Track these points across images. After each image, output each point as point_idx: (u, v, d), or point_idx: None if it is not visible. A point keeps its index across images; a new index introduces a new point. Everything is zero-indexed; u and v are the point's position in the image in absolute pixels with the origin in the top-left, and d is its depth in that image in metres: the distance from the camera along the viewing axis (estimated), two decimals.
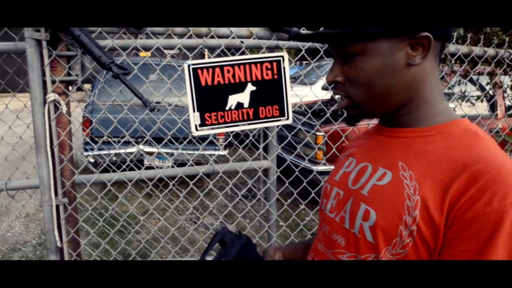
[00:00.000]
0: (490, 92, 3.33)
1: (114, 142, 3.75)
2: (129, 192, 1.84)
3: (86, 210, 1.78)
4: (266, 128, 1.78)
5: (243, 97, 1.38)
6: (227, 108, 1.39)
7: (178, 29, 1.46)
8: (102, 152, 3.53)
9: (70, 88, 1.48)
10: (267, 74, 1.39)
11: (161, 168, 3.19)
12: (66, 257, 1.59)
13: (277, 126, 1.76)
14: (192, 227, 3.62)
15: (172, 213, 2.24)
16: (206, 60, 1.37)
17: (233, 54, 1.51)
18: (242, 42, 1.53)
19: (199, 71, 1.34)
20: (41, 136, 1.42)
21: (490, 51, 1.89)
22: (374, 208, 0.69)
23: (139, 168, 1.90)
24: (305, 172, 2.21)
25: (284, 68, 1.41)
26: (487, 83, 2.72)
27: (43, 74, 1.38)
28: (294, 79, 6.17)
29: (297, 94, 1.73)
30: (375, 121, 0.84)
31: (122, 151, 2.97)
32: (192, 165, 1.86)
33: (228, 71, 1.36)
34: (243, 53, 1.54)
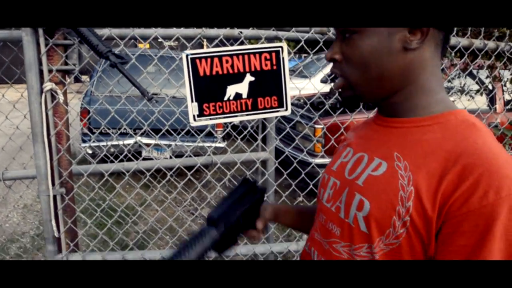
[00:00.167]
0: (489, 86, 3.33)
1: (112, 133, 3.75)
2: (127, 183, 1.84)
3: (83, 200, 1.78)
4: (265, 119, 1.77)
5: (242, 88, 1.38)
6: (225, 98, 1.38)
7: None
8: (100, 143, 3.52)
9: (67, 77, 1.47)
10: (266, 65, 1.38)
11: (159, 159, 3.18)
12: (64, 248, 1.59)
13: (276, 117, 1.75)
14: (190, 218, 3.62)
15: (170, 204, 2.24)
16: (205, 50, 1.36)
17: (231, 45, 1.50)
18: (241, 32, 1.52)
19: (198, 61, 1.33)
20: (38, 126, 1.41)
21: (491, 44, 1.88)
22: (369, 199, 0.69)
23: (137, 159, 1.89)
24: (303, 164, 2.21)
25: (283, 58, 1.40)
26: (487, 77, 2.71)
27: (40, 63, 1.37)
28: (293, 71, 6.16)
29: (297, 86, 1.72)
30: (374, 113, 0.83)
31: (120, 142, 2.96)
32: (190, 156, 1.85)
33: (227, 61, 1.35)
34: (241, 43, 1.53)
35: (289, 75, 1.46)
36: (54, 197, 1.49)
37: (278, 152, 1.95)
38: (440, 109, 0.70)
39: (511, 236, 0.57)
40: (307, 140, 3.82)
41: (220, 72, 1.35)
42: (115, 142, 3.23)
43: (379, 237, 0.67)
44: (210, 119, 1.37)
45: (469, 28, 1.83)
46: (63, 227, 1.55)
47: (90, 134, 4.18)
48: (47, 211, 1.49)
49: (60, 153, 1.49)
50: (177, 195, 2.03)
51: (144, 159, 2.57)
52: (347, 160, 0.80)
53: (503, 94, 3.80)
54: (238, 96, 1.38)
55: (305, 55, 9.10)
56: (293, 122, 2.14)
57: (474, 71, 2.50)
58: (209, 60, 1.34)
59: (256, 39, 1.56)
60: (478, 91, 2.51)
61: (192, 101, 1.34)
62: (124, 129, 1.78)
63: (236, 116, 1.39)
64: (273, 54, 1.39)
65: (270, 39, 1.58)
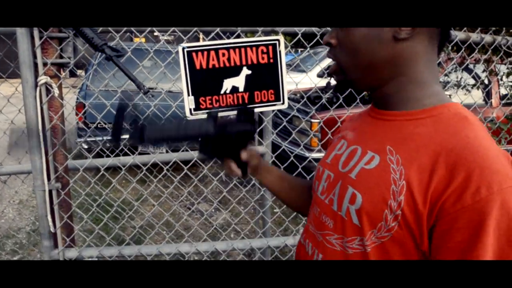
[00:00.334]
0: (486, 80, 3.33)
1: (108, 127, 3.73)
2: (123, 178, 1.83)
3: (79, 195, 1.77)
4: (261, 113, 1.76)
5: (238, 81, 1.37)
6: (222, 92, 1.37)
7: None
8: (96, 138, 3.50)
9: (62, 71, 1.45)
10: (263, 58, 1.38)
11: (155, 153, 3.17)
12: (60, 243, 1.58)
13: (272, 111, 1.75)
14: (186, 213, 3.62)
15: (167, 199, 2.23)
16: (201, 43, 1.35)
17: (228, 38, 1.49)
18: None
19: (194, 54, 1.32)
20: (33, 120, 1.39)
21: (488, 37, 1.88)
22: (361, 192, 0.69)
23: (133, 154, 1.88)
24: (299, 159, 2.21)
25: (279, 52, 1.39)
26: (483, 71, 2.72)
27: (34, 56, 1.35)
28: (289, 65, 6.14)
29: (294, 80, 1.71)
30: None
31: None
32: (186, 150, 1.85)
33: (223, 55, 1.34)
34: (238, 36, 1.52)
35: (285, 69, 1.45)
36: (50, 192, 1.48)
37: (275, 146, 1.94)
38: (433, 102, 0.70)
39: (503, 231, 0.58)
40: (304, 134, 3.82)
41: (217, 65, 1.35)
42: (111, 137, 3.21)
43: (371, 230, 0.68)
44: (207, 112, 1.36)
45: None
46: (59, 222, 1.54)
47: (85, 128, 4.16)
48: (43, 206, 1.48)
49: (56, 148, 1.48)
50: (174, 189, 2.03)
51: (140, 153, 2.55)
52: (341, 153, 0.80)
53: (499, 88, 3.80)
54: (234, 89, 1.37)
55: (302, 49, 9.08)
56: (289, 116, 2.14)
57: (471, 65, 2.50)
58: (205, 53, 1.33)
59: (253, 33, 1.55)
60: (474, 85, 2.51)
61: (188, 95, 1.33)
62: None
63: (232, 109, 1.38)
64: (270, 48, 1.38)
65: (266, 33, 1.57)
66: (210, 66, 1.34)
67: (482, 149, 0.61)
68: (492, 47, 1.90)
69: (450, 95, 2.55)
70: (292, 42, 1.72)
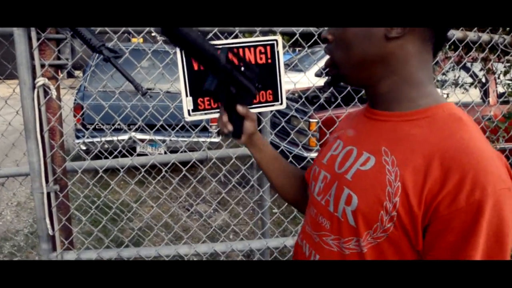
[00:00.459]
0: (483, 79, 3.34)
1: (106, 128, 3.72)
2: (121, 179, 1.83)
3: (78, 197, 1.76)
4: (260, 113, 1.76)
5: None
6: None
7: None
8: (94, 139, 3.49)
9: (60, 72, 1.45)
10: (261, 58, 1.37)
11: (154, 155, 3.16)
12: (58, 246, 1.57)
13: (271, 111, 1.74)
14: (185, 214, 3.62)
15: (165, 200, 2.23)
16: None
17: (226, 38, 1.48)
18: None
19: None
20: (30, 122, 1.39)
21: (485, 36, 1.88)
22: (357, 193, 0.70)
23: (132, 155, 1.88)
24: (298, 159, 2.21)
25: (277, 52, 1.39)
26: (481, 69, 2.72)
27: (32, 58, 1.35)
28: (287, 65, 6.14)
29: (292, 80, 1.71)
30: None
31: (114, 138, 2.94)
32: (185, 151, 1.84)
33: None
34: (236, 36, 1.52)
35: (284, 69, 1.45)
36: (48, 194, 1.48)
37: (273, 147, 1.94)
38: (428, 102, 0.71)
39: (492, 231, 0.59)
40: (302, 134, 3.82)
41: None
42: (109, 138, 3.20)
43: (366, 231, 0.68)
44: (205, 113, 1.36)
45: None
46: (57, 224, 1.54)
47: (83, 130, 4.14)
48: (41, 208, 1.47)
49: (54, 150, 1.47)
50: (172, 191, 2.02)
51: (138, 155, 2.54)
52: (337, 153, 0.81)
53: (496, 86, 3.81)
54: None
55: (299, 48, 9.08)
56: (288, 117, 2.14)
57: (468, 64, 2.51)
58: None
59: (251, 33, 1.55)
60: (472, 83, 2.52)
61: (186, 96, 1.32)
62: (118, 124, 1.76)
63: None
64: (268, 48, 1.38)
65: (264, 33, 1.57)
66: None
67: (477, 151, 0.61)
68: (489, 45, 1.91)
69: (448, 94, 2.55)
70: (290, 42, 1.72)
